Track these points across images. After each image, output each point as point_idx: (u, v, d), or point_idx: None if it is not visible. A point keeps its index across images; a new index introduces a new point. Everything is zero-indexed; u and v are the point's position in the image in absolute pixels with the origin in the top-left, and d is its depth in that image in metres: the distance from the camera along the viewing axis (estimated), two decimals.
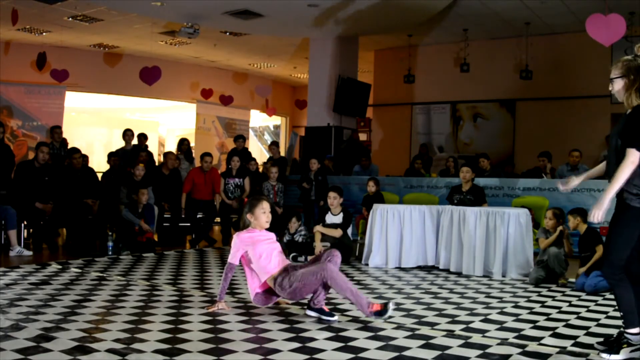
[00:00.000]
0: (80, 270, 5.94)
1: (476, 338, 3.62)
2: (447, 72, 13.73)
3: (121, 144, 10.63)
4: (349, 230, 7.38)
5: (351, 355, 3.19)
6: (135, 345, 3.28)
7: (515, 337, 3.66)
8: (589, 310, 4.55)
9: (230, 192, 9.04)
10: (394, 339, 3.55)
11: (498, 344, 3.49)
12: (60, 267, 6.12)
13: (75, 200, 7.80)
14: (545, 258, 5.76)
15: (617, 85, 3.25)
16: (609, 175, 3.31)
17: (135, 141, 10.56)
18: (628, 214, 3.20)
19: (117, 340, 3.36)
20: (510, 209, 6.62)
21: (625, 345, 3.21)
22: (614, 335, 3.37)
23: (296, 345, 3.36)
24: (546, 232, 5.97)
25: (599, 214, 3.18)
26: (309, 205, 9.38)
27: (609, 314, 4.41)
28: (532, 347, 3.46)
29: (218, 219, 9.38)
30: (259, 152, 18.60)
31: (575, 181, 3.64)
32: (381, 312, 3.93)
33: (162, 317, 3.99)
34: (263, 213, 4.32)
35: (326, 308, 4.08)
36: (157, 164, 11.18)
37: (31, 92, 13.46)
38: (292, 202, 9.87)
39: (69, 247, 7.89)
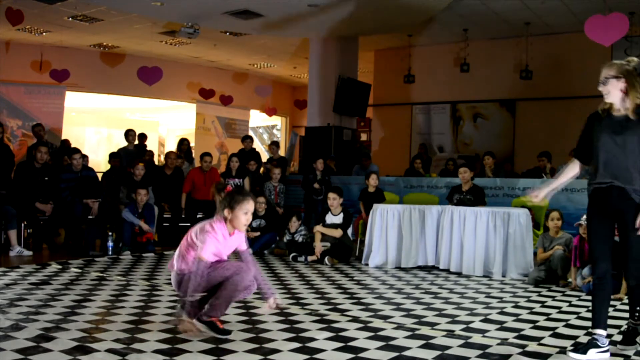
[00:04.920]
0: (80, 270, 5.94)
1: (476, 338, 3.62)
2: (447, 72, 13.73)
3: (121, 143, 10.64)
4: (349, 232, 7.38)
5: (351, 355, 3.19)
6: (135, 345, 3.28)
7: (515, 337, 3.66)
8: (589, 310, 4.53)
9: None
10: (394, 339, 3.55)
11: (498, 344, 3.49)
12: (60, 267, 6.12)
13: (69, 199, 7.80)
14: (550, 258, 5.70)
15: (612, 86, 3.30)
16: (608, 177, 3.31)
17: (136, 141, 10.57)
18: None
19: (117, 340, 3.36)
20: (510, 209, 6.62)
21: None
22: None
23: (296, 345, 3.36)
24: (546, 240, 5.86)
25: None
26: (314, 206, 9.36)
27: (609, 314, 4.40)
28: (532, 347, 3.46)
29: None
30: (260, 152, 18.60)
31: (544, 191, 3.60)
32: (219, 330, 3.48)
33: (162, 317, 3.99)
34: (244, 214, 3.60)
35: (219, 324, 3.53)
36: (157, 164, 11.19)
37: (31, 92, 13.44)
38: (292, 202, 9.87)
39: (68, 247, 7.89)
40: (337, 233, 7.08)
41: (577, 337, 3.72)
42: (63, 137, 12.55)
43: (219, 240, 3.57)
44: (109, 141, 16.34)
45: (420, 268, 6.67)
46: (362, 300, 4.72)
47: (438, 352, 3.28)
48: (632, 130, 3.25)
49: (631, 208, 3.26)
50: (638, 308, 3.34)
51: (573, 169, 3.58)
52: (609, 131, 3.31)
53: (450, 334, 3.71)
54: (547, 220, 6.00)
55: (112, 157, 10.01)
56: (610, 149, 3.30)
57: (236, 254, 3.76)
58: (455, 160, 10.82)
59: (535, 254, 6.31)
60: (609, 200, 3.32)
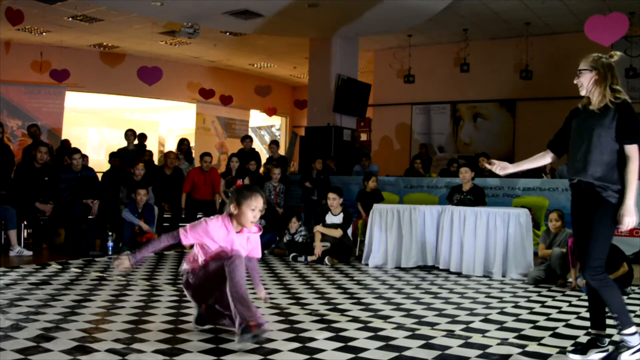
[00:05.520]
0: (80, 270, 5.94)
1: (476, 338, 3.62)
2: (447, 72, 13.73)
3: (120, 143, 10.64)
4: (348, 232, 7.38)
5: (351, 355, 3.19)
6: (135, 345, 3.28)
7: (515, 337, 3.66)
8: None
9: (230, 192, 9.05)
10: (394, 339, 3.55)
11: (498, 344, 3.49)
12: (60, 267, 6.12)
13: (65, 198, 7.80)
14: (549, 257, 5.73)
15: (584, 78, 3.26)
16: (575, 172, 3.26)
17: (136, 141, 10.57)
18: (610, 212, 3.15)
19: (117, 340, 3.36)
20: (510, 209, 6.62)
21: (624, 350, 3.15)
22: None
23: (296, 345, 3.36)
24: (548, 237, 5.93)
25: (632, 221, 3.10)
26: (311, 205, 9.37)
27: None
28: (532, 347, 3.46)
29: None
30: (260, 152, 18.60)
31: (510, 168, 3.63)
32: (254, 334, 3.20)
33: (162, 317, 3.99)
34: (251, 210, 3.50)
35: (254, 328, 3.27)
36: (156, 163, 11.19)
37: (31, 92, 13.46)
38: (292, 202, 9.88)
39: (68, 247, 7.89)
40: (337, 233, 7.08)
41: (577, 337, 3.72)
42: (63, 137, 12.57)
43: (212, 232, 3.49)
44: (108, 141, 16.35)
45: (420, 268, 6.67)
46: (362, 300, 4.72)
47: (438, 352, 3.28)
48: (597, 121, 3.18)
49: (595, 203, 3.16)
50: (610, 314, 3.20)
51: (543, 158, 3.61)
52: (580, 125, 3.29)
53: (450, 334, 3.71)
54: (547, 221, 6.02)
55: (112, 157, 10.02)
56: (577, 144, 3.27)
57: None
58: (458, 162, 10.82)
59: (535, 253, 6.32)
60: (578, 197, 3.28)
